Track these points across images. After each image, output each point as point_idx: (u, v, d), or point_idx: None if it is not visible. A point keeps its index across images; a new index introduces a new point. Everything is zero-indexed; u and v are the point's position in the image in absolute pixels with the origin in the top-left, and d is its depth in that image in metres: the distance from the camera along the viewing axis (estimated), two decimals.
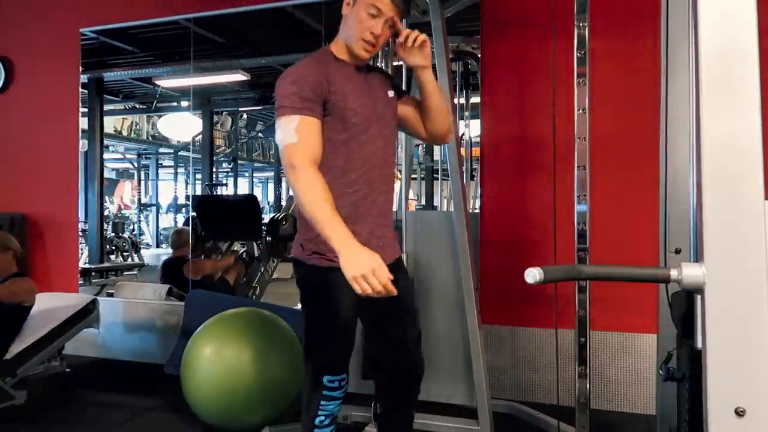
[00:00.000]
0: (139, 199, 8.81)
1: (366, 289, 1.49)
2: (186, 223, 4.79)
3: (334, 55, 1.79)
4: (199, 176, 5.92)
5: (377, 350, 1.95)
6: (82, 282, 4.41)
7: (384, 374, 1.97)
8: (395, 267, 1.78)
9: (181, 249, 4.51)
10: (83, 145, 4.35)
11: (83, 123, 4.37)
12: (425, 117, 1.89)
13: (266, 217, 5.34)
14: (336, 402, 1.82)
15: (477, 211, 3.35)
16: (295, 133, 1.63)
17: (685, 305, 1.30)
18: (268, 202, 8.76)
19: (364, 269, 1.49)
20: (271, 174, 8.60)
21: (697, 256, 1.04)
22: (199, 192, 5.80)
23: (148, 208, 8.66)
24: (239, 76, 5.20)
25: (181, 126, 6.32)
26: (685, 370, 1.27)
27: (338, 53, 1.79)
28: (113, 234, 6.43)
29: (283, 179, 6.93)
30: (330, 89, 1.70)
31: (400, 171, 3.46)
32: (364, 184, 1.76)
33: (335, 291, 1.70)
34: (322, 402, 1.79)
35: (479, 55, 3.34)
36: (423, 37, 1.76)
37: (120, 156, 8.61)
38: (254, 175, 9.20)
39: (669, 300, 1.34)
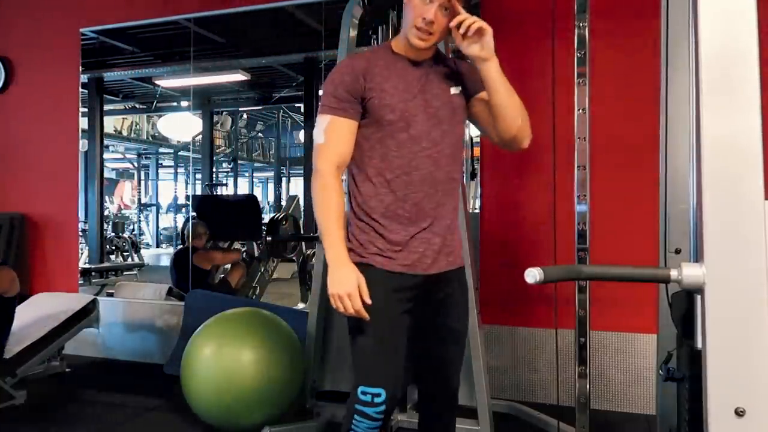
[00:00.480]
0: (139, 199, 8.80)
1: (339, 308, 1.57)
2: (186, 223, 4.79)
3: (392, 49, 1.70)
4: (199, 176, 5.91)
5: (414, 361, 1.80)
6: (82, 282, 4.41)
7: (420, 384, 1.87)
8: (447, 280, 1.71)
9: (193, 240, 4.54)
10: (83, 145, 4.35)
11: (83, 123, 4.37)
12: (494, 117, 1.69)
13: (266, 217, 5.34)
14: (371, 423, 1.63)
15: (477, 211, 3.35)
16: (324, 134, 1.63)
17: (685, 305, 1.30)
18: (268, 202, 8.75)
19: (341, 290, 1.56)
20: (271, 174, 8.60)
21: (697, 256, 1.04)
22: (199, 192, 5.80)
23: (148, 208, 8.65)
24: (239, 76, 5.20)
25: (181, 126, 6.32)
26: (685, 370, 1.27)
27: (396, 47, 1.70)
28: (113, 234, 6.42)
29: (283, 179, 6.94)
30: (366, 86, 1.63)
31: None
32: (403, 185, 1.64)
33: (370, 289, 1.61)
34: (356, 417, 1.64)
35: None
36: (480, 23, 1.60)
37: (120, 156, 8.60)
38: (254, 175, 9.19)
39: (669, 300, 1.34)
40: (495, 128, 1.70)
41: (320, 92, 1.71)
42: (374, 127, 1.65)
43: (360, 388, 1.62)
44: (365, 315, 1.56)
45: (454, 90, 1.70)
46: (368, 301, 1.57)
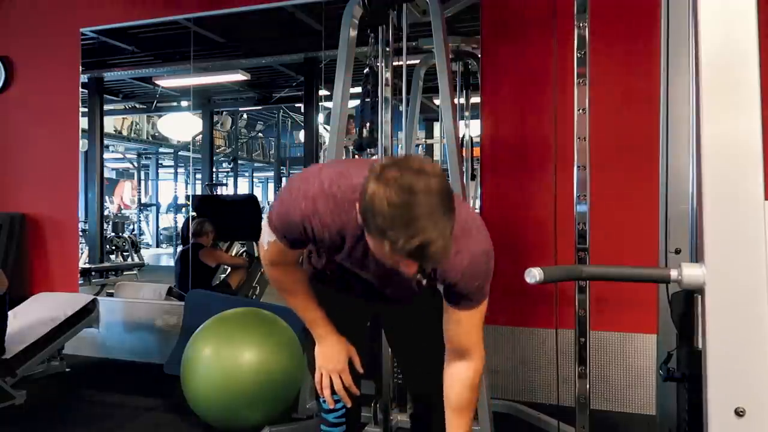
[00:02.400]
0: (139, 199, 8.80)
1: (325, 383, 1.55)
2: (186, 223, 4.79)
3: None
4: (199, 176, 5.91)
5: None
6: (82, 282, 4.40)
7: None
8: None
9: (199, 237, 4.53)
10: (83, 145, 4.35)
11: (83, 123, 4.37)
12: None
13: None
14: (331, 429, 1.61)
15: (477, 211, 3.35)
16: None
17: (685, 305, 1.30)
18: (268, 202, 8.75)
19: (330, 366, 1.54)
20: (271, 174, 8.60)
21: (697, 256, 1.04)
22: (199, 192, 5.80)
23: (148, 208, 8.65)
24: (239, 76, 5.20)
25: (181, 126, 6.31)
26: (685, 370, 1.27)
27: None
28: (113, 234, 6.41)
29: (283, 179, 6.93)
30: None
31: None
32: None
33: None
34: (322, 426, 1.63)
35: (479, 55, 3.34)
36: None
37: (120, 156, 8.60)
38: (254, 175, 9.18)
39: (669, 300, 1.34)
40: (448, 336, 1.48)
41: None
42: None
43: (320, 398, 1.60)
44: (355, 391, 1.57)
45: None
46: (360, 369, 1.58)
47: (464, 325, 1.41)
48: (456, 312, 1.41)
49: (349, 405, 1.56)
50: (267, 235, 1.43)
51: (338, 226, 1.31)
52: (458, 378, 1.45)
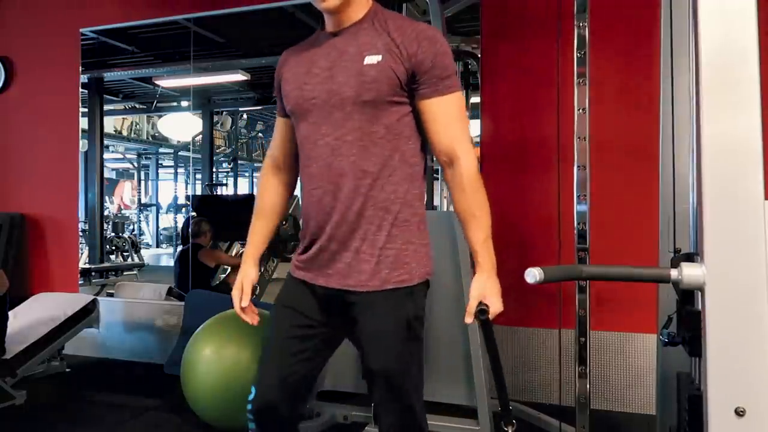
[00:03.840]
0: (139, 199, 8.80)
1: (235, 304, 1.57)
2: (186, 223, 4.79)
3: (323, 28, 1.49)
4: (199, 176, 5.91)
5: None
6: (82, 282, 4.40)
7: None
8: (367, 304, 1.40)
9: (198, 238, 4.53)
10: (83, 145, 4.35)
11: (83, 123, 4.37)
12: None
13: None
14: (251, 424, 1.51)
15: None
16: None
17: (683, 300, 1.30)
18: None
19: (233, 293, 1.58)
20: None
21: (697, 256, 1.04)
22: (199, 192, 5.80)
23: (148, 208, 8.65)
24: (239, 76, 5.20)
25: (181, 126, 6.32)
26: (685, 333, 1.26)
27: (326, 23, 1.48)
28: (113, 234, 6.42)
29: None
30: (281, 78, 1.52)
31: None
32: (306, 180, 1.48)
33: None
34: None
35: (479, 55, 3.34)
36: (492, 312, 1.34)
37: (120, 156, 8.60)
38: (254, 175, 9.19)
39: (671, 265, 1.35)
40: (431, 143, 1.44)
41: None
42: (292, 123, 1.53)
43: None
44: (245, 318, 1.57)
45: (369, 59, 1.37)
46: (243, 303, 1.56)
47: (440, 120, 1.39)
48: (428, 104, 1.39)
49: (252, 323, 1.57)
50: None
51: (305, 41, 1.51)
52: (452, 186, 1.41)
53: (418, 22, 1.43)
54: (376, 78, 1.35)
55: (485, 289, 1.34)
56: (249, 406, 1.52)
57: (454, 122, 1.39)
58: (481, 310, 1.29)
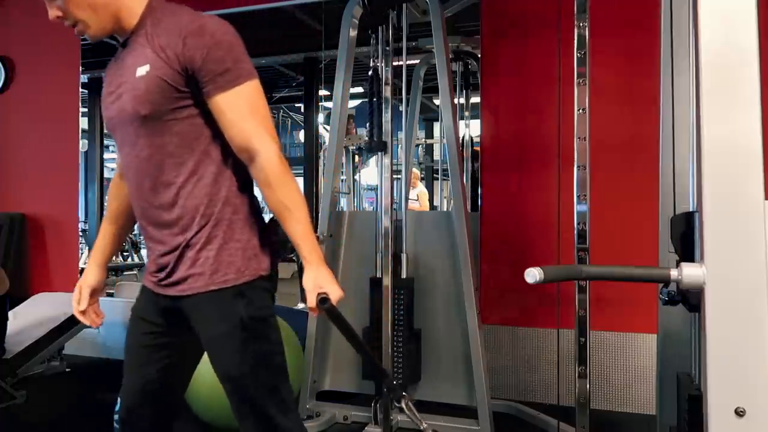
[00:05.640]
0: None
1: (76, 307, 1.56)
2: None
3: None
4: None
5: None
6: None
7: None
8: (195, 307, 1.38)
9: None
10: (83, 145, 4.35)
11: (83, 123, 4.37)
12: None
13: (266, 217, 5.33)
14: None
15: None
16: None
17: (686, 225, 1.30)
18: None
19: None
20: None
21: (697, 256, 1.04)
22: None
23: None
24: None
25: None
26: (686, 294, 1.25)
27: None
28: None
29: None
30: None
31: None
32: (131, 197, 1.47)
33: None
34: None
35: (479, 55, 3.34)
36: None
37: None
38: None
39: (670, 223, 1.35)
40: (230, 143, 1.35)
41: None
42: None
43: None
44: (84, 320, 1.56)
45: (140, 71, 1.30)
46: (80, 307, 1.54)
47: (229, 118, 1.30)
48: (214, 103, 1.30)
49: (91, 325, 1.57)
50: None
51: (109, 64, 1.44)
52: (258, 183, 1.36)
53: (196, 15, 1.33)
54: (148, 89, 1.29)
55: (318, 280, 1.29)
56: (115, 417, 1.51)
57: (245, 117, 1.30)
58: (322, 299, 1.28)
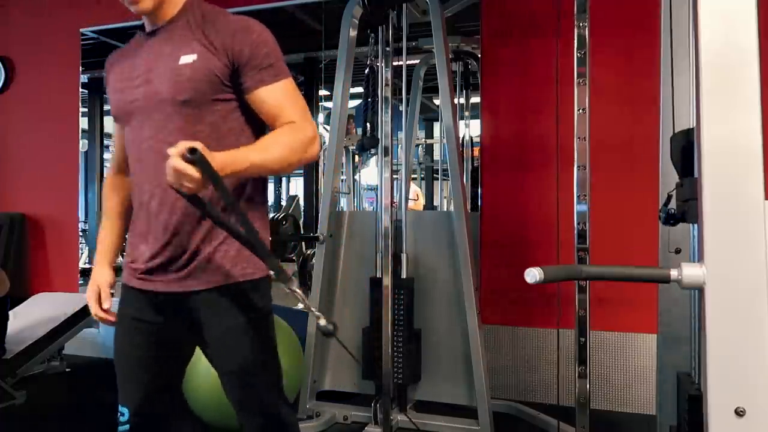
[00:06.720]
0: None
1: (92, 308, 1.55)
2: None
3: (144, 29, 1.48)
4: None
5: None
6: (82, 282, 4.40)
7: None
8: (209, 302, 1.38)
9: None
10: (83, 145, 4.35)
11: (83, 123, 4.37)
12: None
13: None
14: None
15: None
16: None
17: (684, 140, 1.30)
18: (268, 202, 8.74)
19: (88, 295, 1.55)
20: None
21: (697, 256, 1.04)
22: None
23: None
24: None
25: None
26: (685, 207, 1.25)
27: (144, 23, 1.48)
28: None
29: (283, 179, 6.93)
30: (107, 84, 1.50)
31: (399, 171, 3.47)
32: (135, 183, 1.44)
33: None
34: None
35: (479, 55, 3.34)
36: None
37: None
38: None
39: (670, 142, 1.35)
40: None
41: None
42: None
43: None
44: (104, 318, 1.53)
45: (185, 59, 1.33)
46: (104, 306, 1.53)
47: (273, 112, 1.34)
48: (255, 97, 1.34)
49: (107, 321, 1.54)
50: None
51: (130, 43, 1.52)
52: (278, 131, 1.34)
53: (235, 15, 1.40)
54: (192, 77, 1.32)
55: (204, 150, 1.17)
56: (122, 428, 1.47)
57: (288, 106, 1.34)
58: (191, 149, 1.11)
